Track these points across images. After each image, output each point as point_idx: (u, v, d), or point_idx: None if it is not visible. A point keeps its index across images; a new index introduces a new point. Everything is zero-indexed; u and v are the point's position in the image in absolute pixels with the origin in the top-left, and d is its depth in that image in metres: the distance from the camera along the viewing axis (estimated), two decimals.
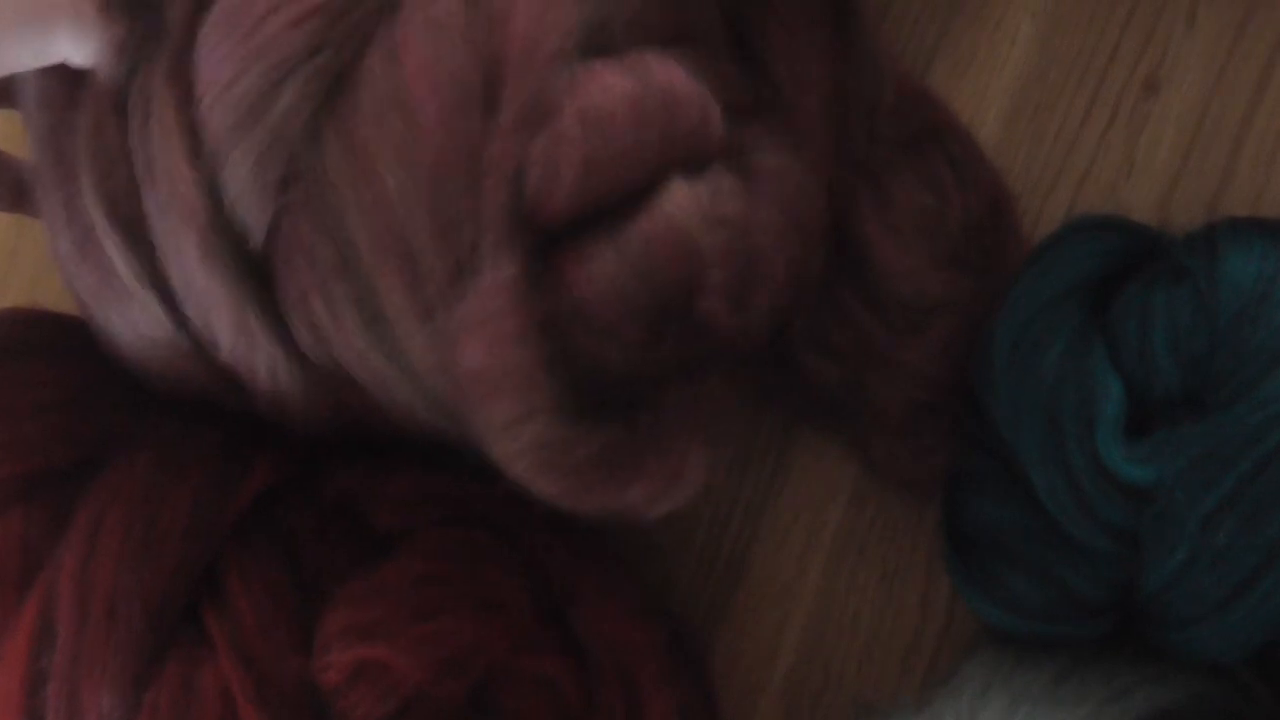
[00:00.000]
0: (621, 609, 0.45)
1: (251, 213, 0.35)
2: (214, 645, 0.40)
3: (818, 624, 0.50)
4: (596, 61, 0.35)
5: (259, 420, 0.42)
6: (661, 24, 0.39)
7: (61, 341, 0.46)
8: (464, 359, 0.34)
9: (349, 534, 0.43)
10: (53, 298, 0.47)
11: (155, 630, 0.40)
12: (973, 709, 0.39)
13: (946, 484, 0.45)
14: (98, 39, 0.37)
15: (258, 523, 0.42)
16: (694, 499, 0.40)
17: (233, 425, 0.43)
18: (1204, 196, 0.49)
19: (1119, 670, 0.39)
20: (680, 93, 0.36)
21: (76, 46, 0.37)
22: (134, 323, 0.40)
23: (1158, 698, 0.38)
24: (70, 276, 0.41)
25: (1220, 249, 0.38)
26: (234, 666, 0.40)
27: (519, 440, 0.35)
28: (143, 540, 0.40)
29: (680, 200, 0.35)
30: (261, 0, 0.33)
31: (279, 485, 0.43)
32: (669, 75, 0.36)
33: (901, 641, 0.49)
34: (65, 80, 0.39)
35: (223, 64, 0.34)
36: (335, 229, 0.34)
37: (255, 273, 0.36)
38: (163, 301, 0.38)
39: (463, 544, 0.43)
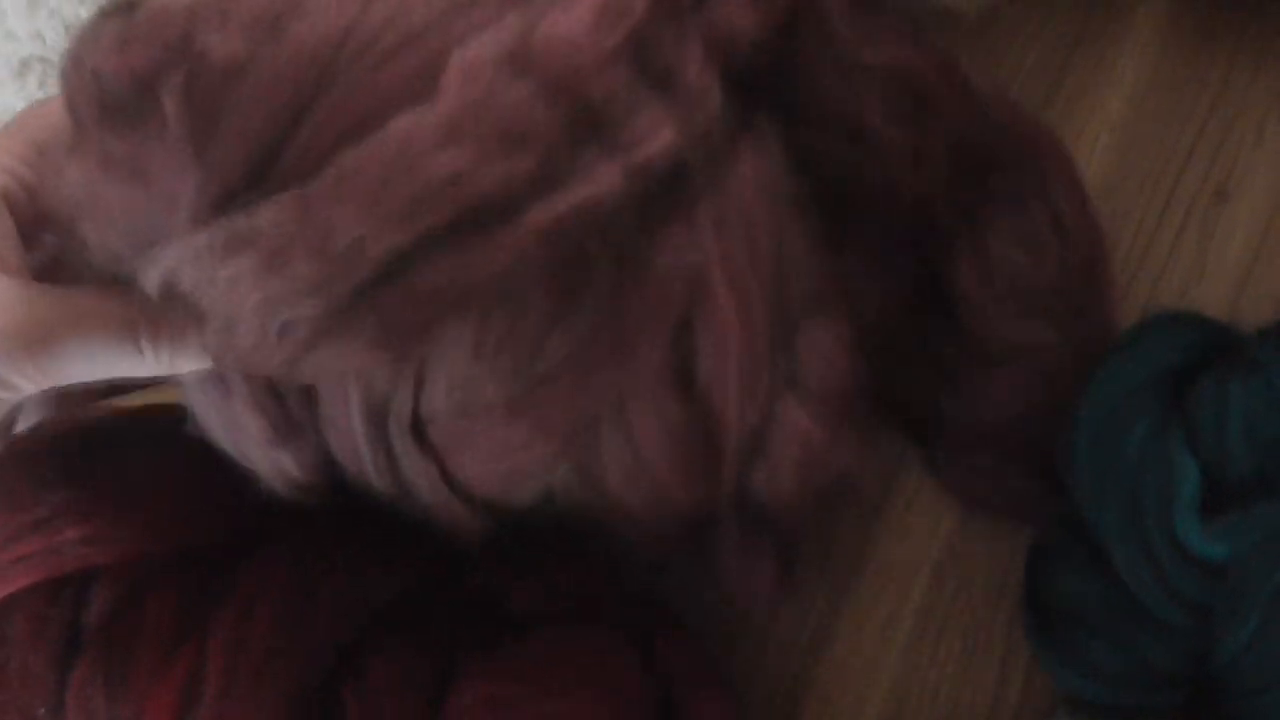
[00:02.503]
0: (723, 709, 0.48)
1: None
2: (349, 716, 0.43)
3: (898, 698, 0.52)
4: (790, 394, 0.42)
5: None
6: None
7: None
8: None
9: (484, 619, 0.46)
10: None
11: (297, 701, 0.43)
12: None
13: (1028, 556, 0.47)
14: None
15: (401, 608, 0.45)
16: None
17: (384, 521, 0.46)
18: (1271, 297, 0.52)
19: None
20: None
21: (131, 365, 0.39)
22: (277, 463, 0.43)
23: None
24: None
25: None
26: None
27: None
28: (294, 617, 0.43)
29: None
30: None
31: (423, 583, 0.46)
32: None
33: (980, 714, 0.52)
34: None
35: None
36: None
37: None
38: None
39: (589, 635, 0.46)
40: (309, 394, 0.40)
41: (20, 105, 0.78)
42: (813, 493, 0.43)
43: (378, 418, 0.40)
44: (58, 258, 0.43)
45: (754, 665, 0.54)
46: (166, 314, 0.38)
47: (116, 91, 0.36)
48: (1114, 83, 0.55)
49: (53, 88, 0.80)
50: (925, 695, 0.52)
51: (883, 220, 0.48)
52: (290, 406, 0.41)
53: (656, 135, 0.36)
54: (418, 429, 0.39)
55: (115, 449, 0.48)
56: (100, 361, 0.39)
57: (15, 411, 0.46)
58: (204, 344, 0.37)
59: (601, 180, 0.35)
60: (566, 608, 0.47)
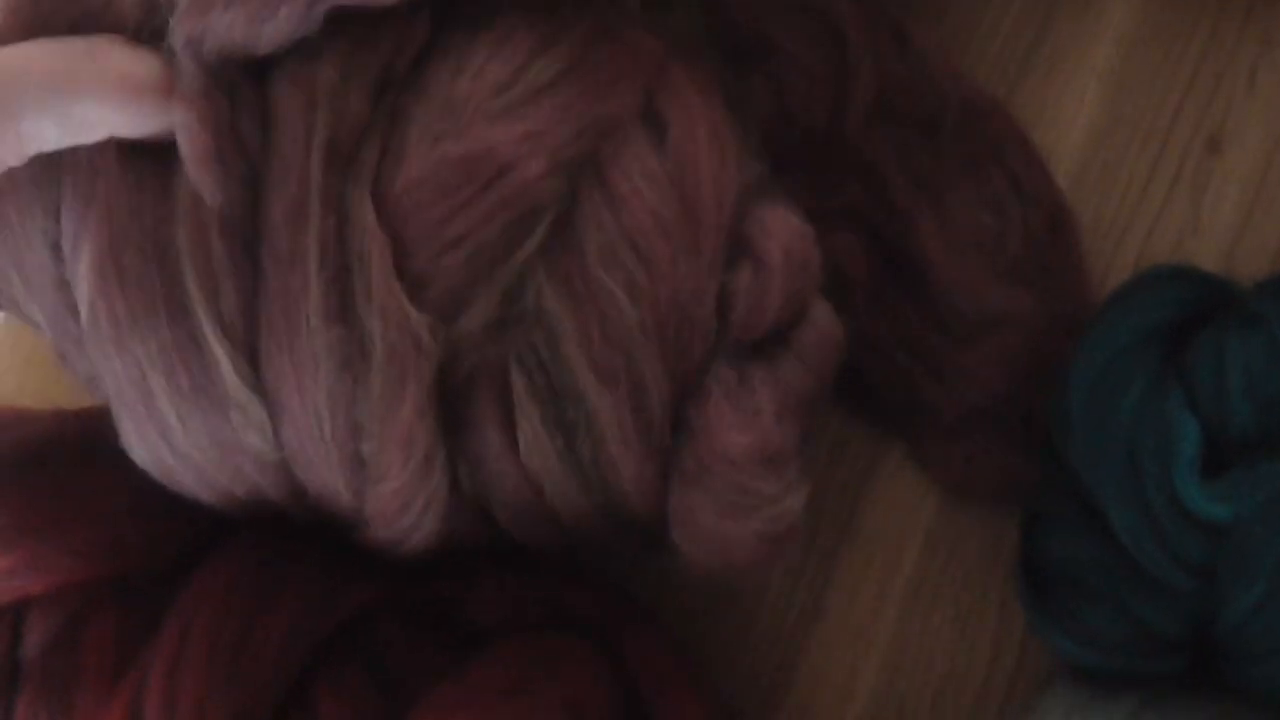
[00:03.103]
0: (694, 710, 0.46)
1: (469, 356, 0.37)
2: None
3: (892, 667, 0.51)
4: (770, 208, 0.40)
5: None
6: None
7: None
8: (727, 445, 0.38)
9: (440, 635, 0.44)
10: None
11: None
12: None
13: (1022, 522, 0.46)
14: (148, 116, 0.35)
15: (349, 635, 0.43)
16: None
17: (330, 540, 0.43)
18: (1267, 251, 0.51)
19: (1196, 705, 0.40)
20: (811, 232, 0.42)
21: (120, 119, 0.35)
22: (223, 438, 0.38)
23: None
24: (138, 388, 0.38)
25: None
26: None
27: (777, 509, 0.39)
28: (233, 649, 0.41)
29: (826, 314, 0.42)
30: (500, 152, 0.36)
31: (376, 601, 0.44)
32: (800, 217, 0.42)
33: (975, 682, 0.50)
34: (131, 181, 0.36)
35: (456, 213, 0.36)
36: (549, 362, 0.37)
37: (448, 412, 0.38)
38: (270, 415, 0.38)
39: (551, 649, 0.44)
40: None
41: None
42: (796, 305, 0.40)
43: (338, 167, 0.36)
44: None
45: (744, 638, 0.52)
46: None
47: None
48: (1101, 33, 0.53)
49: None
50: (919, 666, 0.51)
51: (818, 166, 0.47)
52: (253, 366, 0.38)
53: None
54: (378, 188, 0.36)
55: (47, 466, 0.45)
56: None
57: None
58: None
59: None
60: (526, 615, 0.45)
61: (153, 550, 0.43)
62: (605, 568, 0.47)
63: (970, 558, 0.51)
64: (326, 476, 0.38)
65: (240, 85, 0.36)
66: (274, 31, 0.35)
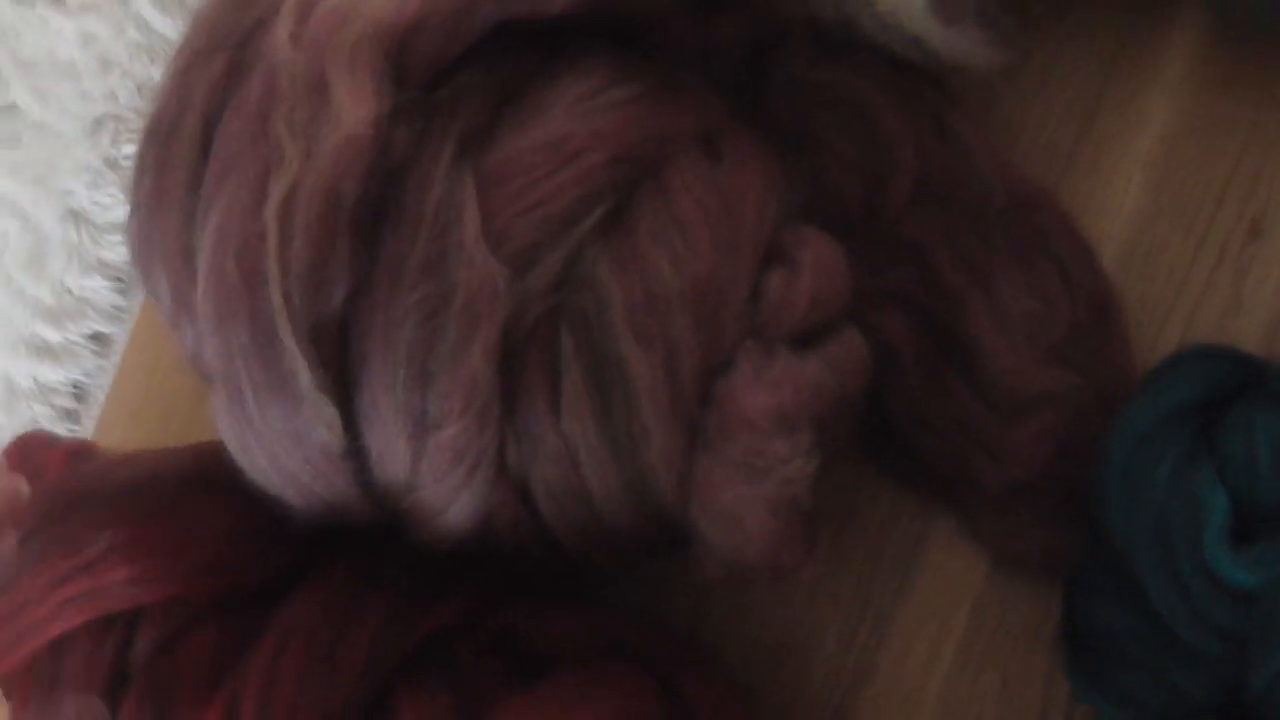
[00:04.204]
0: None
1: (531, 311, 0.42)
2: None
3: None
4: (805, 226, 0.47)
5: (438, 561, 0.48)
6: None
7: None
8: (746, 407, 0.43)
9: (509, 658, 0.48)
10: None
11: None
12: None
13: (1064, 590, 0.48)
14: None
15: (429, 652, 0.47)
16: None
17: (415, 561, 0.48)
18: None
19: None
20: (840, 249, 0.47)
21: None
22: (295, 430, 0.43)
23: None
24: (227, 370, 0.44)
25: None
26: None
27: (789, 470, 0.43)
28: (323, 662, 0.45)
29: (855, 335, 0.47)
30: (573, 141, 0.43)
31: (452, 623, 0.48)
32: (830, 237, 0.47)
33: None
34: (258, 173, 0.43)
35: (533, 185, 0.43)
36: (596, 326, 0.43)
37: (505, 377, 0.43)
38: (342, 410, 0.43)
39: (614, 673, 0.47)
40: None
41: (94, 161, 0.83)
42: (824, 313, 0.45)
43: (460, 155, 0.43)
44: None
45: (796, 695, 0.55)
46: None
47: None
48: (1144, 123, 0.56)
49: (125, 144, 0.82)
50: None
51: (864, 248, 0.51)
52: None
53: None
54: (479, 164, 0.43)
55: (162, 491, 0.50)
56: None
57: None
58: None
59: None
60: (591, 647, 0.48)
61: (253, 571, 0.48)
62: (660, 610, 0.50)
63: (1017, 625, 0.53)
64: (391, 434, 0.43)
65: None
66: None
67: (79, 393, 0.79)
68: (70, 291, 0.83)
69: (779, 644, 0.55)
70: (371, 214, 0.43)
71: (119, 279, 0.84)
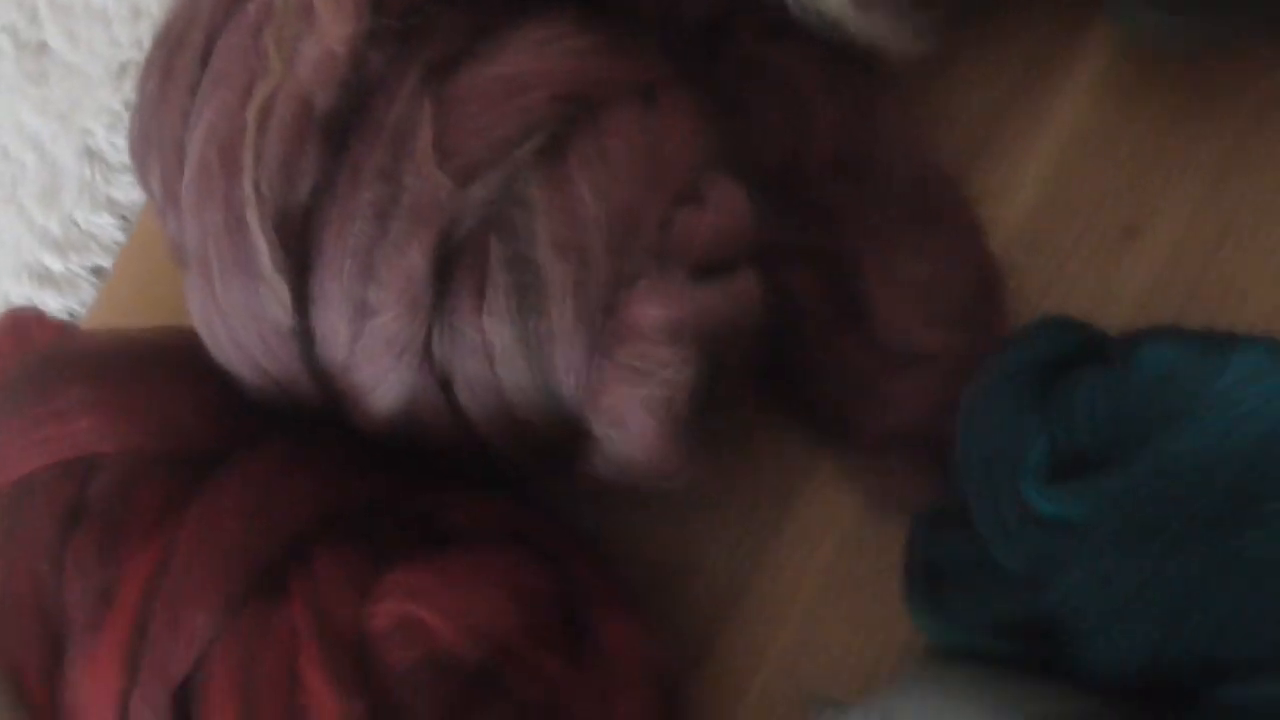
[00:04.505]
0: (627, 629, 0.54)
1: (467, 220, 0.48)
2: (291, 595, 0.50)
3: (798, 644, 0.59)
4: (720, 174, 0.52)
5: (369, 448, 0.54)
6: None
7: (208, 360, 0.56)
8: (640, 318, 0.49)
9: (420, 532, 0.54)
10: None
11: (248, 577, 0.50)
12: (897, 702, 0.48)
13: (911, 524, 0.54)
14: None
15: (349, 519, 0.53)
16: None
17: (347, 446, 0.54)
18: (1166, 321, 0.58)
19: (1025, 678, 0.48)
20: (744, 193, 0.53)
21: None
22: (252, 305, 0.50)
23: (1048, 703, 0.46)
24: (201, 250, 0.50)
25: (1140, 344, 0.48)
26: (302, 611, 0.49)
27: (667, 374, 0.49)
28: (252, 518, 0.51)
29: (753, 275, 0.52)
30: (525, 77, 0.49)
31: (372, 499, 0.54)
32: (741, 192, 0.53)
33: (866, 662, 0.58)
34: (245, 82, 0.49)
35: (483, 111, 0.49)
36: (522, 238, 0.48)
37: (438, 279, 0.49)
38: (294, 292, 0.49)
39: (511, 553, 0.53)
40: None
41: (116, 104, 0.89)
42: (726, 250, 0.51)
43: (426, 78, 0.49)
44: None
45: (678, 605, 0.61)
46: None
47: None
48: (1048, 126, 0.62)
49: None
50: (820, 646, 0.59)
51: (782, 208, 0.57)
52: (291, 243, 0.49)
53: None
54: (439, 90, 0.49)
55: (133, 359, 0.57)
56: None
57: None
58: None
59: None
60: (496, 531, 0.54)
61: (202, 437, 0.54)
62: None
63: (879, 561, 0.59)
64: (335, 317, 0.49)
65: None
66: None
67: (74, 321, 0.83)
68: (78, 225, 0.89)
69: (667, 562, 0.61)
70: (341, 122, 0.49)
71: (125, 218, 0.88)
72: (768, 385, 0.61)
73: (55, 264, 0.88)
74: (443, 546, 0.53)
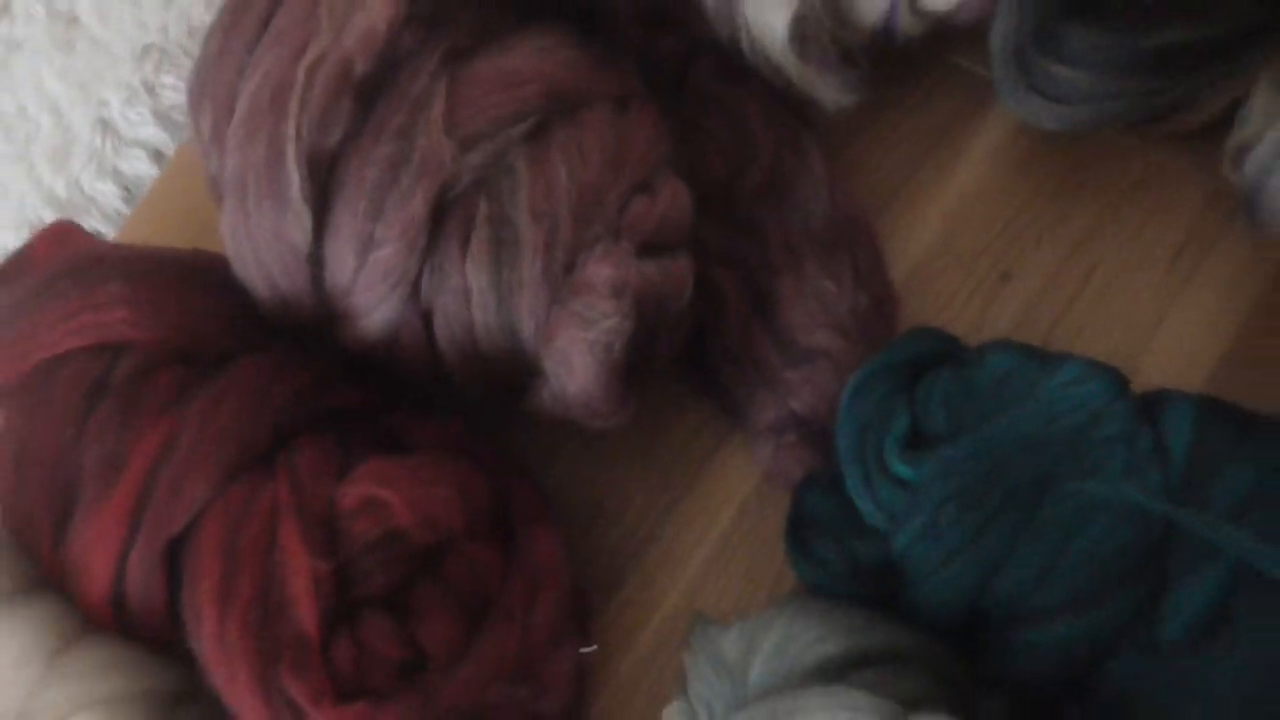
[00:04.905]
0: (549, 541, 0.65)
1: (463, 179, 0.59)
2: (276, 473, 0.60)
3: (695, 589, 0.70)
4: (673, 175, 0.63)
5: (354, 368, 0.64)
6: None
7: (227, 279, 0.67)
8: (592, 276, 0.59)
9: (386, 438, 0.64)
10: None
11: (241, 456, 0.60)
12: (762, 623, 0.58)
13: (796, 488, 0.65)
14: None
15: (329, 420, 0.63)
16: None
17: (335, 362, 0.64)
18: None
19: (871, 614, 0.58)
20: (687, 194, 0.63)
21: None
22: (279, 229, 0.60)
23: (876, 633, 0.57)
24: (241, 179, 0.60)
25: (988, 350, 0.60)
26: (285, 486, 0.59)
27: (609, 323, 0.59)
28: (249, 409, 0.61)
29: (688, 261, 0.63)
30: (524, 73, 0.60)
31: (351, 407, 0.64)
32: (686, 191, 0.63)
33: (755, 608, 0.68)
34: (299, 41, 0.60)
35: (486, 95, 0.60)
36: (506, 201, 0.59)
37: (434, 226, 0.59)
38: (315, 222, 0.60)
39: (459, 463, 0.64)
40: None
41: (135, 82, 0.96)
42: (668, 237, 0.62)
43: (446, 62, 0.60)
44: None
45: (601, 543, 0.71)
46: None
47: None
48: (951, 182, 0.74)
49: (165, 74, 0.96)
50: (716, 591, 0.69)
51: (721, 219, 0.69)
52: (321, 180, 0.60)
53: None
54: (453, 74, 0.60)
55: (164, 268, 0.67)
56: None
57: None
58: None
59: None
60: (448, 446, 0.64)
61: (217, 339, 0.64)
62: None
63: (769, 526, 0.70)
64: (344, 248, 0.59)
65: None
66: None
67: None
68: (82, 189, 0.96)
69: (594, 505, 0.72)
70: (373, 87, 0.60)
71: (127, 189, 0.97)
72: (692, 368, 0.72)
73: None
74: (405, 453, 0.63)
